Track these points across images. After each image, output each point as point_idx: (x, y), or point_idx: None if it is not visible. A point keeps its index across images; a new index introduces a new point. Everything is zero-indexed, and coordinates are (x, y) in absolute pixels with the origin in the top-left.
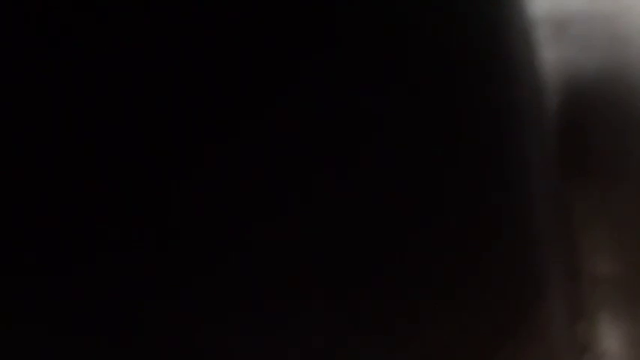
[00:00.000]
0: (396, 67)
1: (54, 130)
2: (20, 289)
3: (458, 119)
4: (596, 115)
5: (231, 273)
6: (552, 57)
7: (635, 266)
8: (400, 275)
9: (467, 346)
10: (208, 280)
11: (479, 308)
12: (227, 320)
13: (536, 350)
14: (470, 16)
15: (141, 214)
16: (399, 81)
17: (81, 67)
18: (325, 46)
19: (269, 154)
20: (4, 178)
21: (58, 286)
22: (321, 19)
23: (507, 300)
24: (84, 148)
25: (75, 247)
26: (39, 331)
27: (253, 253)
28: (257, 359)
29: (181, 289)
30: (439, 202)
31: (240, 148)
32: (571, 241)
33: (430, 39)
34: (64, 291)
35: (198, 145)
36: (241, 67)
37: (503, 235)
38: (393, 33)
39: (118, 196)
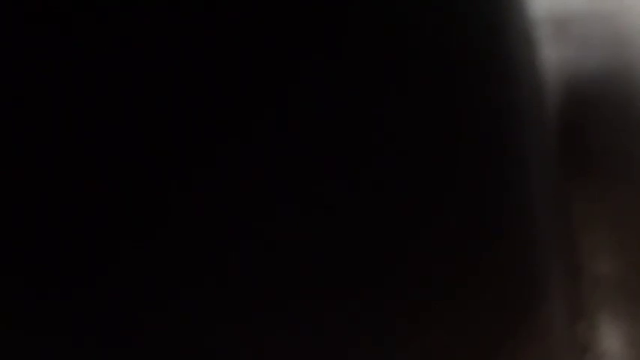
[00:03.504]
0: (396, 67)
1: (54, 130)
2: (20, 290)
3: (458, 119)
4: (596, 115)
5: (230, 273)
6: (552, 57)
7: (635, 266)
8: (400, 275)
9: (467, 347)
10: (208, 281)
11: (479, 308)
12: (227, 321)
13: (536, 350)
14: (470, 16)
15: (141, 214)
16: (399, 81)
17: (81, 67)
18: (325, 46)
19: (269, 155)
20: (4, 178)
21: (57, 287)
22: (321, 19)
23: (507, 300)
24: (84, 148)
25: (74, 247)
26: (39, 332)
27: (253, 253)
28: (257, 359)
29: (181, 289)
30: (439, 202)
31: (240, 149)
32: (571, 241)
33: (430, 39)
34: (63, 292)
35: (198, 145)
36: (241, 67)
37: (503, 235)
38: (393, 33)
39: (117, 196)
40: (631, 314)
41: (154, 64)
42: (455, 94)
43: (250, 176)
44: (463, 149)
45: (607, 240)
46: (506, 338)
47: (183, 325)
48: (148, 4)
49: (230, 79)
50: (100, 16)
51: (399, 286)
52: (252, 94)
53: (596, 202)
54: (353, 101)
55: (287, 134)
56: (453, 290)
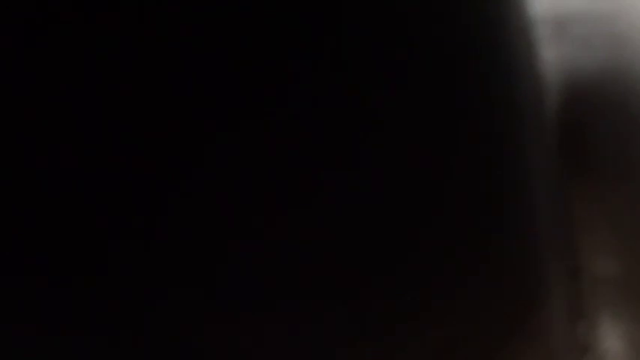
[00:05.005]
0: (395, 67)
1: (53, 130)
2: (20, 289)
3: (457, 119)
4: (596, 114)
5: (230, 273)
6: (552, 57)
7: (635, 266)
8: (400, 275)
9: (467, 347)
10: (208, 281)
11: (479, 308)
12: (227, 320)
13: (537, 350)
14: (470, 16)
15: (141, 214)
16: (399, 81)
17: (80, 66)
18: (326, 45)
19: (269, 155)
20: (3, 178)
21: (58, 287)
22: (321, 17)
23: (507, 300)
24: (83, 148)
25: (74, 246)
26: (39, 331)
27: (252, 253)
28: (257, 359)
29: (181, 289)
30: (438, 202)
31: (239, 148)
32: (571, 241)
33: (430, 38)
34: (63, 291)
35: (198, 144)
36: (242, 67)
37: (503, 234)
38: (393, 32)
39: (118, 196)
40: (631, 314)
41: (154, 63)
42: (455, 94)
43: (250, 176)
44: (462, 149)
45: (607, 240)
46: (506, 338)
47: (184, 324)
48: (148, 4)
49: (230, 79)
50: (100, 16)
51: (398, 285)
52: (252, 93)
53: (596, 202)
54: (352, 102)
55: (287, 134)
56: (452, 290)
